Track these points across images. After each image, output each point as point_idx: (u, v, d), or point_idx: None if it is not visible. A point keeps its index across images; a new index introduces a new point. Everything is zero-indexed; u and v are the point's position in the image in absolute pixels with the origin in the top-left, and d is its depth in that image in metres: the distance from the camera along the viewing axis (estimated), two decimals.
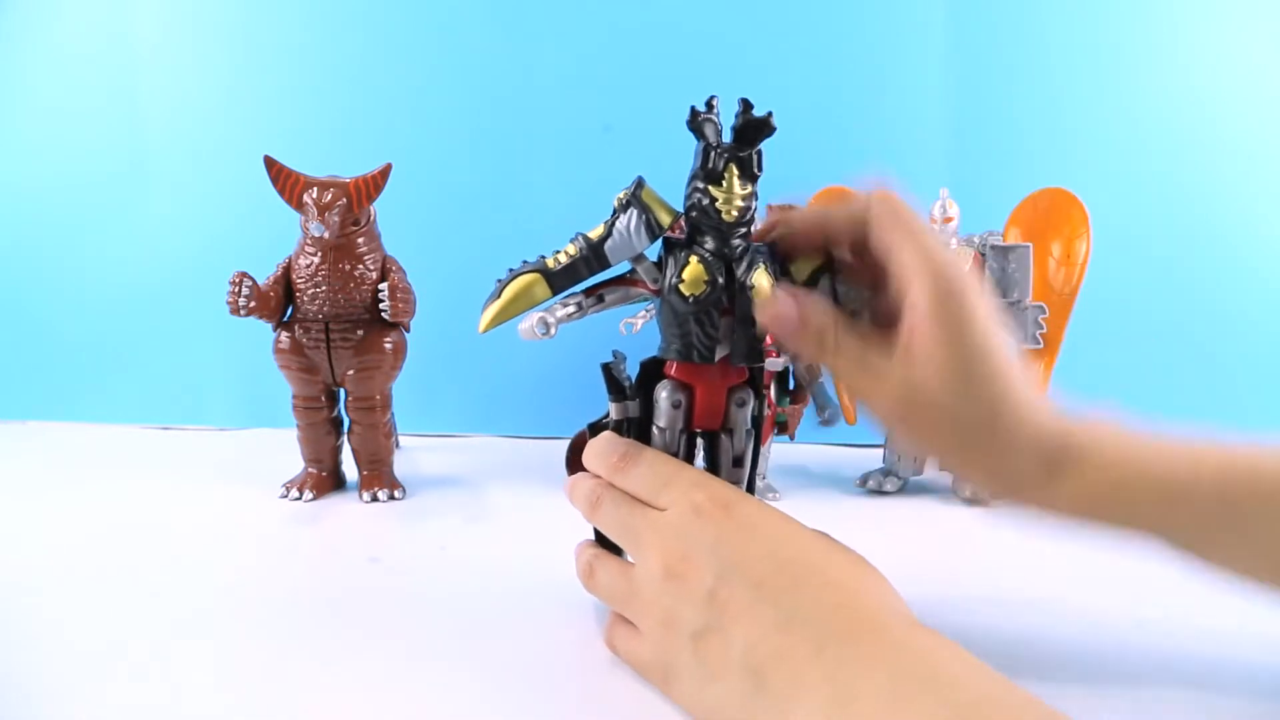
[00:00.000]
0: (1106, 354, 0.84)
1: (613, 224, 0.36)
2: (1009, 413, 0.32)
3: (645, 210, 0.35)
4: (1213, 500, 0.32)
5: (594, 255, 0.35)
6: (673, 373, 0.37)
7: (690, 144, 0.36)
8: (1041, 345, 0.66)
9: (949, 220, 0.66)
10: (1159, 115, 0.84)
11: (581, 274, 0.36)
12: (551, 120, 0.90)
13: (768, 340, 0.39)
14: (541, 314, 0.35)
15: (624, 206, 0.36)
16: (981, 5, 0.85)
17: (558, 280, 0.35)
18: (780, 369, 0.63)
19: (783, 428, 0.66)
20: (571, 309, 0.36)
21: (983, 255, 0.67)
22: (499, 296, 0.35)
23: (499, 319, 0.35)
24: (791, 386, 0.66)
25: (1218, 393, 0.83)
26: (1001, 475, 0.34)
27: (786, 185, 0.73)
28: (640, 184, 0.36)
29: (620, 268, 0.37)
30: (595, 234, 0.36)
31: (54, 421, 0.96)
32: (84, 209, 0.97)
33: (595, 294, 0.37)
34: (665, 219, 0.36)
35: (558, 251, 0.36)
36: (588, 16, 0.89)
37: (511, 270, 0.36)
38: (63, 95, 0.97)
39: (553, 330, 0.35)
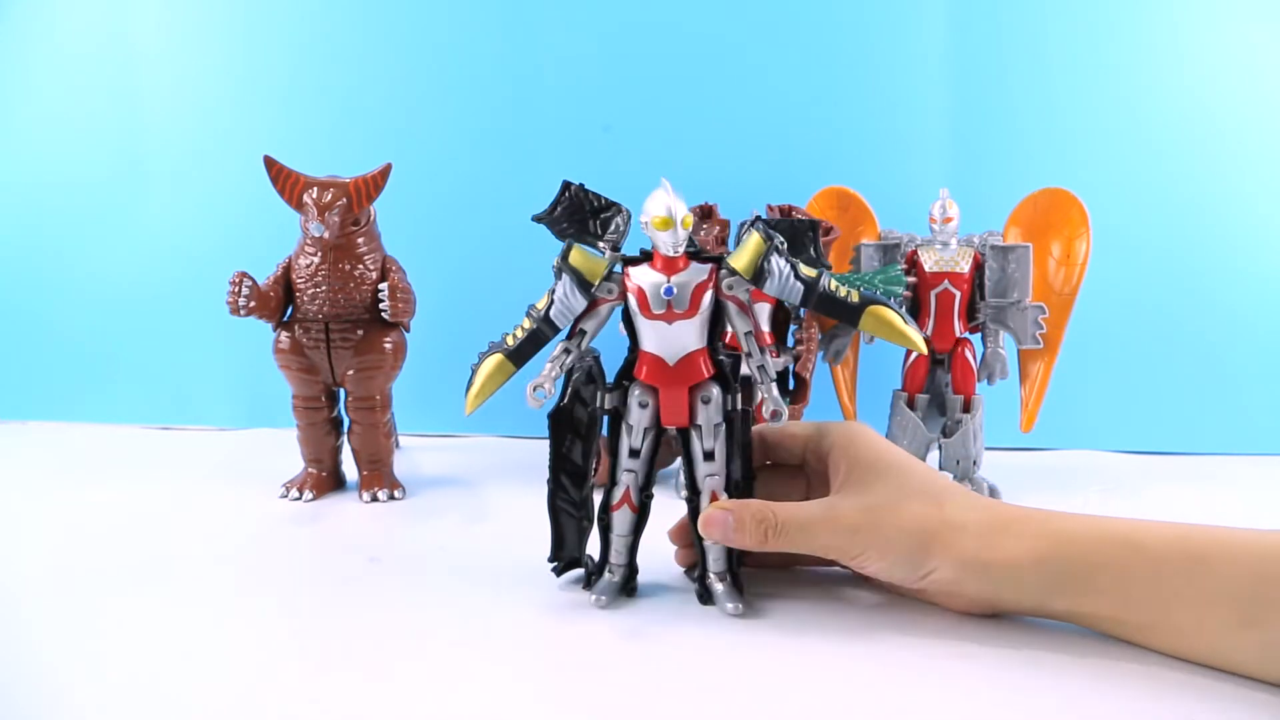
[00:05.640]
0: (1106, 354, 0.83)
1: (553, 292, 0.40)
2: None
3: (573, 273, 0.39)
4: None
5: (545, 324, 0.40)
6: (641, 376, 0.40)
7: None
8: (1041, 345, 0.66)
9: (949, 220, 0.66)
10: (1159, 115, 0.84)
11: (538, 344, 0.40)
12: (551, 120, 0.89)
13: (770, 339, 0.40)
14: (531, 385, 0.40)
15: (557, 273, 0.40)
16: (981, 5, 0.85)
17: (518, 356, 0.40)
18: (780, 369, 0.63)
19: None
20: (561, 359, 0.40)
21: (983, 255, 0.67)
22: (473, 382, 0.41)
23: (478, 400, 0.41)
24: (792, 386, 0.65)
25: (1218, 393, 0.83)
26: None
27: (787, 185, 0.73)
28: (568, 249, 0.40)
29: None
30: (542, 304, 0.40)
31: (54, 421, 0.96)
32: (84, 209, 0.97)
33: (576, 334, 0.41)
34: (596, 273, 0.39)
35: (517, 327, 0.40)
36: (588, 16, 0.89)
37: (481, 354, 0.40)
38: (63, 95, 0.96)
39: (549, 388, 0.40)
